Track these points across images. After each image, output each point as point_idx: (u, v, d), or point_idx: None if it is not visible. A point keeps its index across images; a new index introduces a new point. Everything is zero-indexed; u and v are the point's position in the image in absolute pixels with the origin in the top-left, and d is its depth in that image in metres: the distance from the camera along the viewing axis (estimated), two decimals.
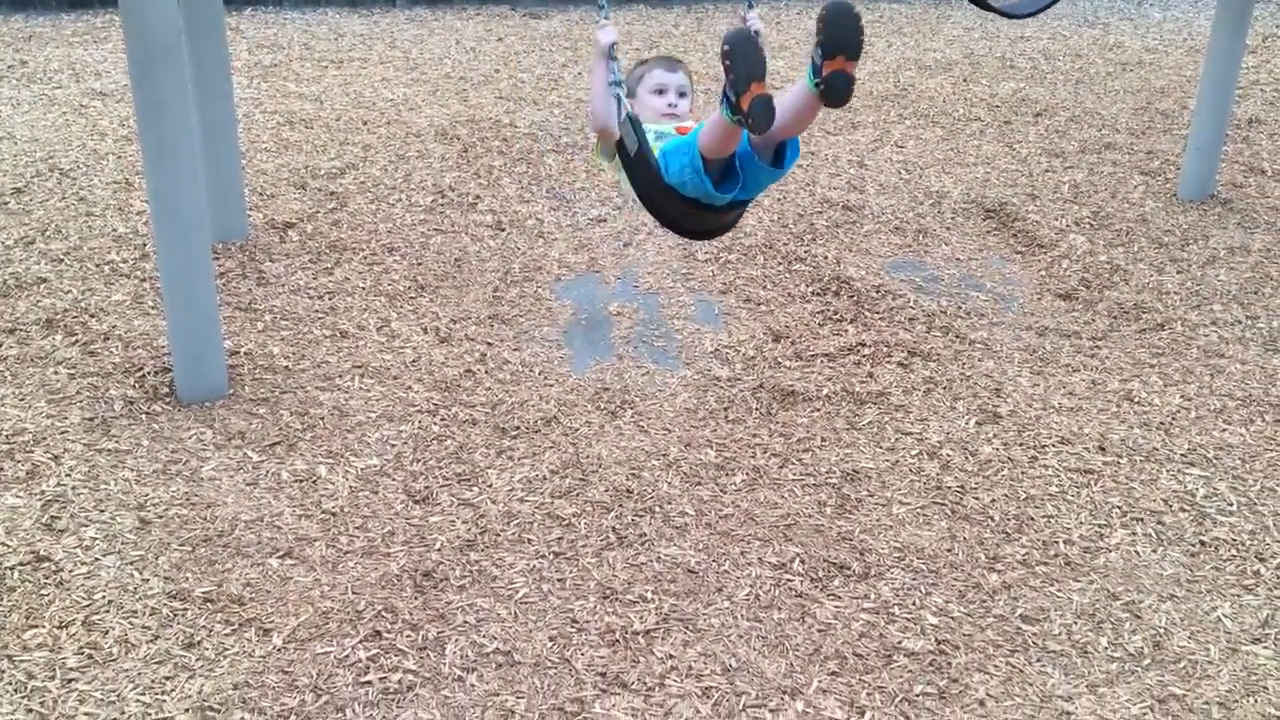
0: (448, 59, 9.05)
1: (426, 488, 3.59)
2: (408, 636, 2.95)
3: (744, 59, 3.03)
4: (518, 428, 3.95)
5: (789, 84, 3.87)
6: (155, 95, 3.64)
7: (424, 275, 5.09)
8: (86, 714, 2.66)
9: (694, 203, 3.43)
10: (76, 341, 4.32)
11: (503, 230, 5.64)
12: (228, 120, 5.03)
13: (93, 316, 4.51)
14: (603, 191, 6.13)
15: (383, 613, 3.03)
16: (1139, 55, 9.76)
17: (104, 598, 3.03)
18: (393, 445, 3.80)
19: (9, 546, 3.21)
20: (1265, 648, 3.04)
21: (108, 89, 7.77)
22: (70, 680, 2.76)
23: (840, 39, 3.05)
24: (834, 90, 3.06)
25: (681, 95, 3.75)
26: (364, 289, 4.91)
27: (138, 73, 3.63)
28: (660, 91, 3.72)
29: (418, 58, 9.04)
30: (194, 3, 4.68)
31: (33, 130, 6.74)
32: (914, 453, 3.87)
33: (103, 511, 3.39)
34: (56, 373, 4.10)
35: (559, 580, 3.19)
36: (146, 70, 3.61)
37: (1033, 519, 3.54)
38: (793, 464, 3.79)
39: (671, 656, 2.92)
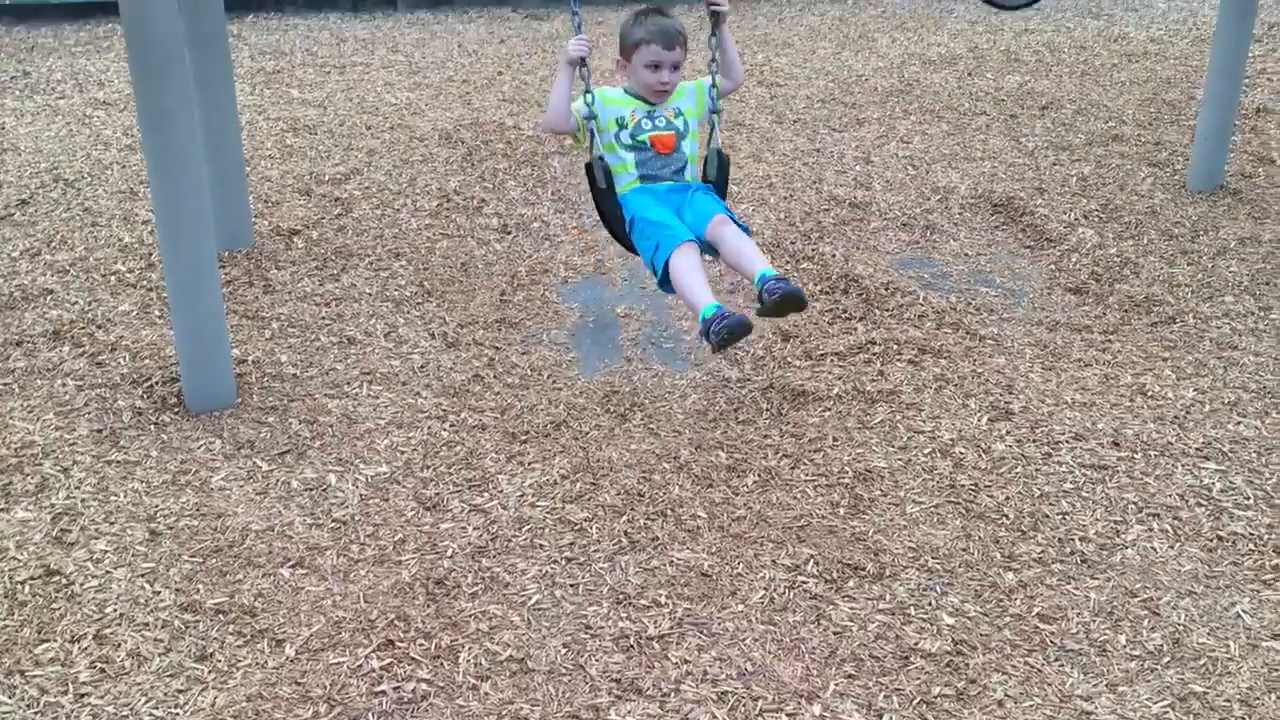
0: (450, 62, 9.03)
1: (437, 494, 3.57)
2: (421, 645, 2.93)
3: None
4: (527, 432, 3.92)
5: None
6: (158, 104, 3.63)
7: (430, 280, 5.07)
8: None
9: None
10: (84, 353, 4.31)
11: (509, 233, 5.62)
12: (231, 128, 5.02)
13: (100, 327, 4.50)
14: None
15: (395, 621, 3.01)
16: (1144, 46, 9.72)
17: (115, 611, 3.02)
18: (402, 452, 3.78)
19: (20, 560, 3.20)
20: None
21: (111, 98, 7.78)
22: (83, 695, 2.74)
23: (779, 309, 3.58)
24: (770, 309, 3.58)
25: (675, 69, 3.73)
26: (370, 295, 4.90)
27: (140, 82, 3.61)
28: (655, 67, 3.71)
29: (420, 61, 9.03)
30: (196, 10, 4.67)
31: (37, 141, 6.74)
32: (926, 451, 3.84)
33: (113, 524, 3.38)
34: (64, 384, 4.09)
35: (571, 586, 3.17)
36: (149, 79, 3.60)
37: (1048, 516, 3.51)
38: (804, 464, 3.77)
39: (687, 661, 2.89)
